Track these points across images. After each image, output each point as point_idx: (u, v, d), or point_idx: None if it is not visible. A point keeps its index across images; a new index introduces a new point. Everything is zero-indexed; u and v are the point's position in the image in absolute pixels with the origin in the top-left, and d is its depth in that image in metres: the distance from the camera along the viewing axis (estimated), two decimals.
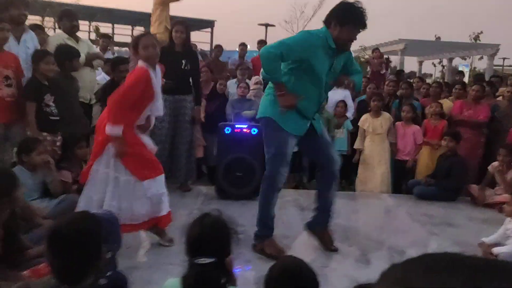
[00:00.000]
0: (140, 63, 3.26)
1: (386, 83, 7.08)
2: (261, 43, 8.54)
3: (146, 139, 3.42)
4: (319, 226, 3.55)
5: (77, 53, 4.41)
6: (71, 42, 4.71)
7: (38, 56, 4.03)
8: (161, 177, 3.39)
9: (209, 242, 1.81)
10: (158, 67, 3.39)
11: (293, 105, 3.16)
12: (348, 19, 3.08)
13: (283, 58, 3.11)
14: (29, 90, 3.94)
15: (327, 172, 3.47)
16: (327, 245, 3.52)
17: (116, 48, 11.56)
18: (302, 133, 3.34)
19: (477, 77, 8.45)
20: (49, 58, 4.04)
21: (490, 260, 0.49)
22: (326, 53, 3.15)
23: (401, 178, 5.84)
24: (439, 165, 5.42)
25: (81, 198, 3.23)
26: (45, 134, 3.98)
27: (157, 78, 3.32)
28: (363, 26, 3.13)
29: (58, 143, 4.13)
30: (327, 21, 3.16)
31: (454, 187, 5.26)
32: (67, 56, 4.31)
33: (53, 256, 1.60)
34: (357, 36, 3.21)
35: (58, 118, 4.11)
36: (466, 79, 12.35)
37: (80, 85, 4.64)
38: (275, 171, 3.31)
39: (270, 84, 3.41)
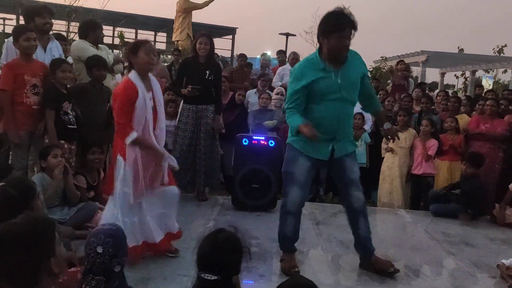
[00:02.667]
0: (132, 74, 3.14)
1: (402, 98, 7.02)
2: (280, 53, 8.57)
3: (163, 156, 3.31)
4: (365, 262, 3.48)
5: (104, 64, 4.48)
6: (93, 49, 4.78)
7: (55, 64, 4.10)
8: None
9: (218, 260, 1.84)
10: (154, 79, 3.32)
11: (313, 135, 3.06)
12: (330, 28, 3.03)
13: (299, 108, 3.20)
14: (48, 98, 4.02)
15: (348, 208, 3.43)
16: (385, 270, 3.38)
17: None
18: (321, 157, 3.28)
19: (490, 92, 8.27)
20: (65, 66, 4.11)
21: None
22: (320, 73, 3.13)
23: (420, 193, 5.77)
24: (460, 184, 5.31)
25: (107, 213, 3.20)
26: (62, 142, 4.05)
27: (154, 91, 3.24)
28: (348, 29, 3.02)
29: (73, 152, 4.21)
30: (317, 38, 3.18)
31: (472, 210, 5.13)
32: (94, 64, 4.40)
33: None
34: (351, 41, 3.09)
35: (75, 126, 4.18)
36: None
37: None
38: (285, 192, 3.34)
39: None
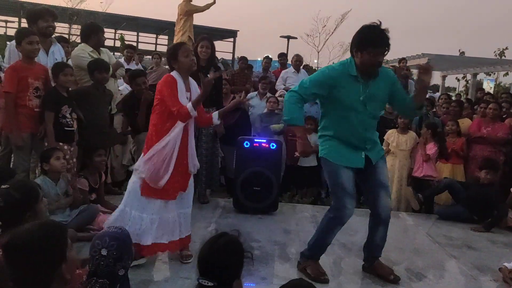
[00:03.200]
0: (173, 72, 3.25)
1: None
2: (282, 56, 8.58)
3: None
4: (367, 265, 3.49)
5: (106, 67, 4.49)
6: (94, 54, 4.79)
7: (58, 68, 4.10)
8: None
9: (217, 263, 1.83)
10: (192, 80, 3.41)
11: (306, 152, 3.21)
12: (365, 44, 2.98)
13: (304, 99, 3.14)
14: (48, 101, 4.02)
15: (373, 213, 3.37)
16: (385, 277, 3.38)
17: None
18: (354, 165, 3.21)
19: (488, 95, 8.26)
20: (68, 69, 4.12)
21: None
22: (350, 81, 3.08)
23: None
24: (472, 188, 5.15)
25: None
26: (61, 144, 4.04)
27: (191, 91, 3.32)
28: (383, 46, 2.98)
29: (73, 153, 4.18)
30: (350, 49, 3.13)
31: (479, 217, 4.98)
32: (96, 67, 4.41)
33: (11, 268, 1.55)
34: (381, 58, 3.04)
35: (73, 129, 4.18)
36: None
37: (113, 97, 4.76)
38: (339, 203, 3.19)
39: (322, 125, 3.32)
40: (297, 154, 3.26)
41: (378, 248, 3.44)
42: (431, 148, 5.62)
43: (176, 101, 3.16)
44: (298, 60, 7.68)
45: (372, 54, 2.97)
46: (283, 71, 7.81)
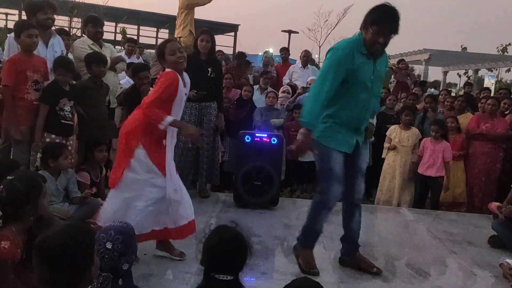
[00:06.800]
0: (168, 69, 3.19)
1: (405, 95, 7.02)
2: (284, 50, 8.54)
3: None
4: (348, 258, 3.48)
5: (104, 60, 4.47)
6: (95, 48, 4.77)
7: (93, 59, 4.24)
8: None
9: (229, 258, 1.83)
10: (186, 75, 3.34)
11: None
12: (373, 20, 2.96)
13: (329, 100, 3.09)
14: (47, 93, 3.98)
15: (346, 199, 3.39)
16: (368, 270, 3.39)
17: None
18: (347, 150, 3.21)
19: (486, 90, 8.22)
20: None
21: None
22: (363, 57, 3.05)
23: (426, 194, 5.74)
24: None
25: (112, 201, 3.20)
26: (53, 136, 4.01)
27: (186, 85, 3.29)
28: (388, 26, 2.95)
29: (69, 147, 4.10)
30: (361, 24, 3.09)
31: None
32: (93, 60, 4.39)
33: (42, 269, 1.54)
34: (387, 41, 3.01)
35: (70, 122, 4.15)
36: (492, 90, 12.19)
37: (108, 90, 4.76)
38: (324, 188, 3.23)
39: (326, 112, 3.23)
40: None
41: (356, 235, 3.45)
42: (448, 151, 5.54)
43: (162, 102, 3.08)
44: (306, 55, 7.69)
45: (377, 32, 2.96)
46: (290, 66, 7.81)
